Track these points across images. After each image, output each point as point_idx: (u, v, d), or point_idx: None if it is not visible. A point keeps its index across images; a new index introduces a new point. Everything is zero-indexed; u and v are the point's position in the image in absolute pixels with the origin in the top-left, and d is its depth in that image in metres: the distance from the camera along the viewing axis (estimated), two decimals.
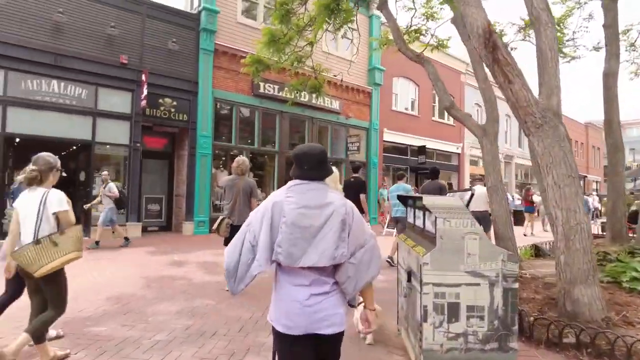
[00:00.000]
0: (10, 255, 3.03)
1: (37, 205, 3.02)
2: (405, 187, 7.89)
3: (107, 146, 10.88)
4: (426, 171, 21.56)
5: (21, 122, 9.64)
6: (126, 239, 9.56)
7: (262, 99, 13.64)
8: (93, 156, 10.62)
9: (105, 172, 9.52)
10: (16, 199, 3.35)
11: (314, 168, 1.92)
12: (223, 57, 12.84)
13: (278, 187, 14.48)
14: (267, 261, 1.83)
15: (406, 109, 19.68)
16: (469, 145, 23.09)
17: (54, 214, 3.05)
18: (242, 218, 5.40)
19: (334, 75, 15.62)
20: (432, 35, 7.94)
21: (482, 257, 2.87)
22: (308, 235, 1.80)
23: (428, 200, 2.89)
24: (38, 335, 3.07)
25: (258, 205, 2.06)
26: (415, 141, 19.49)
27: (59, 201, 3.08)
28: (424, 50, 7.50)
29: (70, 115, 10.26)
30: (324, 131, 15.88)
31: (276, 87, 13.78)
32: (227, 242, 5.40)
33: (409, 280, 3.25)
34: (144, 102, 10.89)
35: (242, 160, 5.83)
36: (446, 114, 21.92)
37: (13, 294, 3.46)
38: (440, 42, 8.04)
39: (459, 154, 22.71)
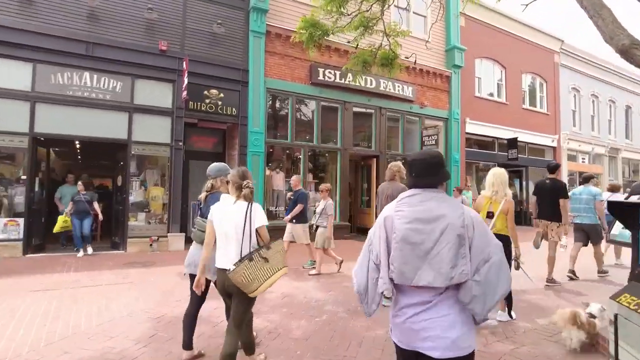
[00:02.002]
0: (229, 275, 2.78)
1: (243, 219, 2.86)
2: (591, 190, 7.10)
3: (146, 146, 9.49)
4: (518, 168, 18.40)
5: (51, 121, 8.51)
6: None
7: (321, 88, 11.69)
8: (129, 158, 9.27)
9: None
10: (204, 209, 3.41)
11: (422, 175, 1.82)
12: (276, 40, 11.08)
13: (340, 191, 12.50)
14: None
15: (491, 94, 16.72)
16: (566, 138, 19.46)
17: (256, 229, 2.93)
18: None
19: (406, 57, 13.36)
20: None
21: None
22: (420, 253, 1.70)
23: None
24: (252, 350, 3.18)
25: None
26: (503, 133, 16.48)
27: (262, 216, 2.97)
28: None
29: (103, 111, 9.00)
30: (394, 123, 13.58)
31: (337, 73, 11.77)
32: None
33: None
34: (185, 93, 9.39)
35: (391, 165, 5.44)
36: (539, 99, 18.61)
37: (198, 304, 3.48)
38: None
39: (554, 147, 19.16)
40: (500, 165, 17.18)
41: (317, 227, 7.23)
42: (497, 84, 16.99)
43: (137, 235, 9.29)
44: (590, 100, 21.55)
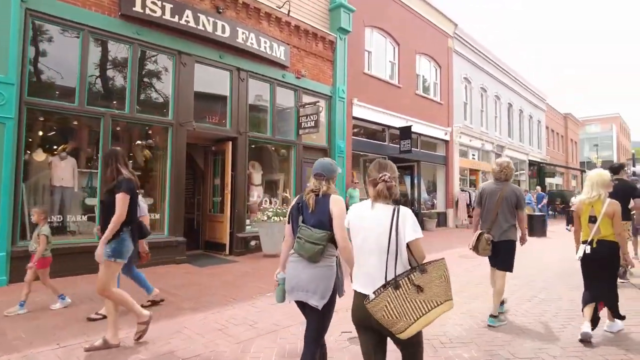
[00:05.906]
0: (367, 306, 2.00)
1: (387, 229, 2.06)
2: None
3: None
4: (409, 164, 16.12)
5: None
6: None
7: (139, 27, 7.47)
8: None
9: None
10: (306, 215, 2.64)
11: None
12: None
13: (171, 188, 8.41)
14: None
15: (383, 74, 13.99)
16: (458, 131, 17.85)
17: (407, 243, 2.07)
18: (504, 234, 4.47)
19: (278, 7, 9.91)
20: None
21: None
22: None
23: None
24: None
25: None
26: (395, 121, 13.91)
27: (414, 225, 2.09)
28: None
29: None
30: (261, 95, 9.91)
31: (169, 6, 7.69)
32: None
33: None
34: None
35: (507, 163, 4.68)
36: (432, 87, 16.57)
37: None
38: None
39: (446, 141, 17.40)
40: (390, 159, 14.63)
41: None
42: (390, 62, 14.37)
43: None
44: (480, 94, 20.50)
